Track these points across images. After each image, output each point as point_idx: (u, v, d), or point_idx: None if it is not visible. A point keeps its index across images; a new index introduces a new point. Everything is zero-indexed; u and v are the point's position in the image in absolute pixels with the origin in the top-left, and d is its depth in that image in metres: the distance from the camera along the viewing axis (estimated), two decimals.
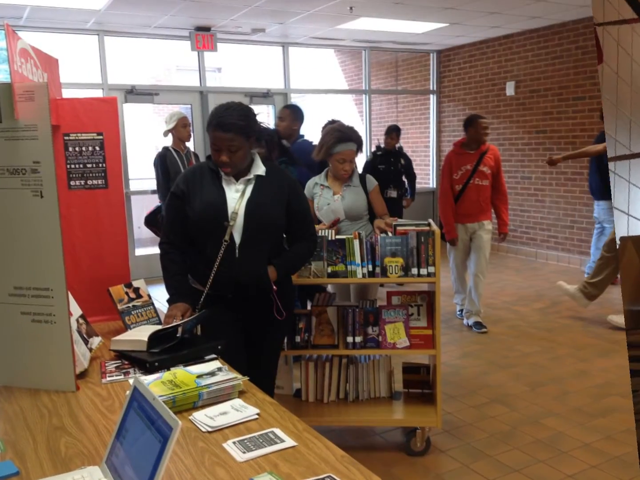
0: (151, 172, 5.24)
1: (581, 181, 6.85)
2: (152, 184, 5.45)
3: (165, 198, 2.74)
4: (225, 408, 1.64)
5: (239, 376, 1.77)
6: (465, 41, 8.05)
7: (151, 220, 5.13)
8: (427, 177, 9.11)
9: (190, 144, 5.44)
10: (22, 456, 1.43)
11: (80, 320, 2.10)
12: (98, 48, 6.68)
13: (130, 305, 2.40)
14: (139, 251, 7.16)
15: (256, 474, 1.32)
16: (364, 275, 2.82)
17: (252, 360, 2.41)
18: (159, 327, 2.15)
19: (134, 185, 7.30)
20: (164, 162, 5.01)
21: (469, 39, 7.92)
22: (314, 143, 3.92)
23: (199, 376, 1.75)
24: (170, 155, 5.05)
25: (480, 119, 4.72)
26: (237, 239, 2.29)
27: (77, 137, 2.54)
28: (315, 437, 1.48)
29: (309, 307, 3.08)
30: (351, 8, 5.92)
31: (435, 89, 8.82)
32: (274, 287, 2.34)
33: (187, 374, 1.77)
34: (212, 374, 1.77)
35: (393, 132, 6.39)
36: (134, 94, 6.87)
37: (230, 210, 2.28)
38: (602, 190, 5.87)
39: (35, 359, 1.82)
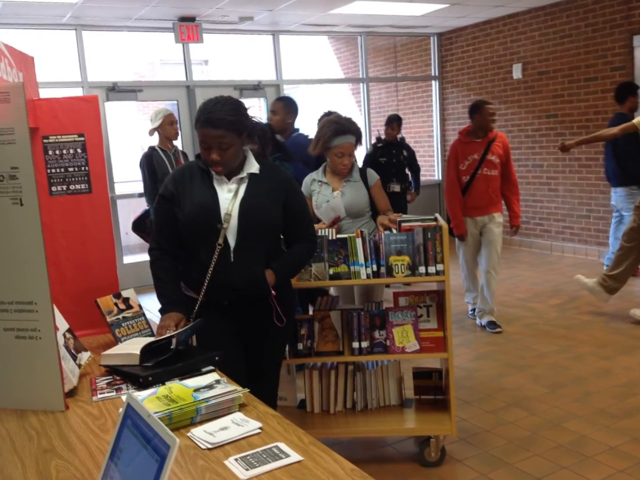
0: (137, 174, 5.25)
1: (596, 167, 6.85)
2: (139, 187, 5.45)
3: (154, 201, 2.74)
4: (226, 423, 1.64)
5: (239, 388, 1.77)
6: (468, 22, 8.05)
7: (139, 226, 5.13)
8: (431, 168, 9.11)
9: (178, 143, 5.45)
10: None
11: (67, 335, 2.09)
12: (76, 44, 6.68)
13: (120, 316, 2.40)
14: (128, 259, 7.16)
15: None
16: (368, 276, 2.82)
17: (252, 371, 2.41)
18: (152, 339, 2.15)
19: (119, 189, 7.29)
20: (150, 163, 5.02)
21: (471, 20, 7.92)
22: (309, 137, 3.92)
23: (196, 390, 1.75)
24: (157, 155, 5.06)
25: (487, 105, 4.73)
26: (232, 242, 2.29)
27: (57, 140, 2.54)
28: (322, 450, 1.48)
29: (310, 312, 3.08)
30: None
31: (437, 74, 8.82)
32: (273, 292, 2.34)
33: (184, 388, 1.77)
34: (210, 387, 1.77)
35: (394, 122, 6.39)
36: (116, 91, 6.87)
37: (223, 211, 2.28)
38: (619, 176, 5.87)
39: (21, 378, 1.82)
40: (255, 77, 7.73)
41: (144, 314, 2.49)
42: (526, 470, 2.90)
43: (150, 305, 3.49)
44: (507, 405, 3.59)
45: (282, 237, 2.51)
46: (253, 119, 2.40)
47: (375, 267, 2.81)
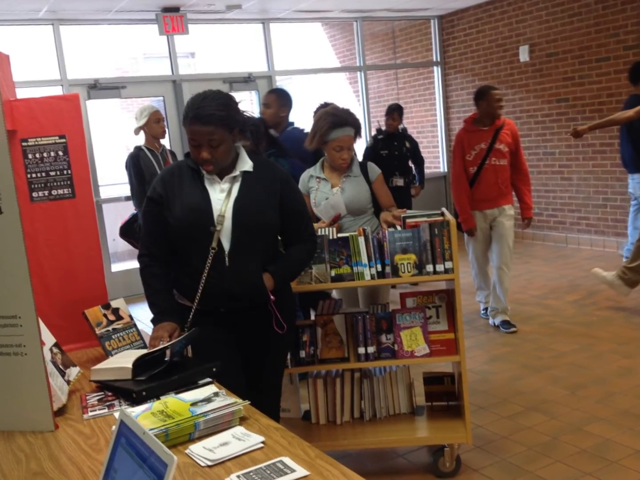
0: (123, 176, 5.25)
1: (612, 153, 6.85)
2: (126, 190, 5.45)
3: (141, 204, 2.74)
4: (226, 438, 1.64)
5: (239, 401, 1.78)
6: (470, 3, 8.05)
7: (127, 231, 5.13)
8: (436, 160, 9.12)
9: (165, 142, 5.44)
10: None
11: (55, 350, 2.10)
12: (54, 39, 6.69)
13: (109, 328, 2.40)
14: (116, 267, 7.17)
15: None
16: (372, 277, 2.82)
17: (252, 382, 2.41)
18: (144, 351, 2.15)
19: (105, 193, 7.30)
20: (137, 164, 5.02)
21: (473, 1, 7.92)
22: (305, 130, 3.92)
23: (194, 404, 1.75)
24: (144, 155, 5.05)
25: (493, 91, 4.73)
26: (226, 245, 2.29)
27: (36, 142, 2.54)
28: (329, 463, 1.48)
29: (312, 317, 3.08)
30: None
31: (439, 60, 8.82)
32: (272, 297, 2.34)
33: (180, 402, 1.77)
34: (208, 400, 1.77)
35: (395, 112, 6.39)
36: (98, 88, 6.88)
37: (216, 213, 2.28)
38: (636, 161, 5.87)
39: (6, 397, 1.82)
40: (246, 69, 7.73)
41: (135, 325, 2.49)
42: (547, 478, 2.90)
43: (142, 315, 3.49)
44: (525, 410, 3.59)
45: (279, 238, 2.51)
46: (244, 113, 2.40)
47: (379, 267, 2.81)
